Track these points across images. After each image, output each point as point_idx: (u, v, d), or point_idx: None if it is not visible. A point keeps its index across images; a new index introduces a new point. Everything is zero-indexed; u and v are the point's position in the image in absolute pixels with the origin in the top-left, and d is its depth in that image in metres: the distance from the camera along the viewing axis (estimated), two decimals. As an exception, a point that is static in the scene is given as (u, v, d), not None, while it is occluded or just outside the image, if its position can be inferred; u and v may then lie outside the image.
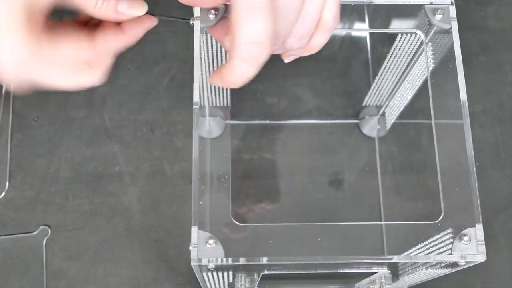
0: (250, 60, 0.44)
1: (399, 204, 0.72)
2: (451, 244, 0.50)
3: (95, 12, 0.47)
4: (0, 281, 0.70)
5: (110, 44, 0.47)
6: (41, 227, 0.72)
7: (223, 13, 0.52)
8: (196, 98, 0.53)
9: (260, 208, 0.73)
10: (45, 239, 0.71)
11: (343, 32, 0.76)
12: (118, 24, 0.48)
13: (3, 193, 0.73)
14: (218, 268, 0.52)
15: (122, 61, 0.78)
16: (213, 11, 0.52)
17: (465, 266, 0.50)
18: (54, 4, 0.45)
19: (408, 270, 0.57)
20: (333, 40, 0.79)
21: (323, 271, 0.59)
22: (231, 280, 0.59)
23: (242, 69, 0.44)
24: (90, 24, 0.49)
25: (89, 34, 0.47)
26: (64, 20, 0.48)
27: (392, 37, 0.61)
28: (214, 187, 0.53)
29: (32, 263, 0.71)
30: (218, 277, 0.56)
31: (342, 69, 0.79)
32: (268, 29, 0.42)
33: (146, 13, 0.48)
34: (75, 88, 0.48)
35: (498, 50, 0.81)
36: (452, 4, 0.56)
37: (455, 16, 0.56)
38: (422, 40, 0.58)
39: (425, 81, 0.57)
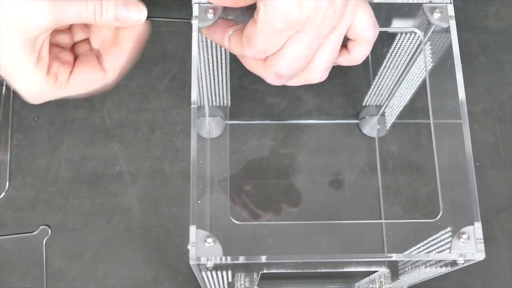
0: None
1: (399, 204, 0.72)
2: (450, 243, 0.50)
3: (98, 24, 0.48)
4: (0, 281, 0.70)
5: (116, 66, 0.50)
6: (41, 227, 0.72)
7: (221, 13, 0.52)
8: (194, 97, 0.52)
9: (260, 208, 0.73)
10: (45, 239, 0.71)
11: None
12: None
13: (3, 193, 0.73)
14: (217, 267, 0.52)
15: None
16: (211, 11, 0.52)
17: (464, 265, 0.50)
18: (54, 26, 0.46)
19: (408, 269, 0.57)
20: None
21: (323, 270, 0.59)
22: (230, 280, 0.59)
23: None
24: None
25: (97, 60, 0.50)
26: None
27: (392, 36, 0.61)
28: (213, 186, 0.53)
29: (32, 263, 0.71)
30: (217, 276, 0.56)
31: (342, 69, 0.79)
32: None
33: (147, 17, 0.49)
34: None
35: (498, 50, 0.81)
36: (450, 2, 0.56)
37: (453, 14, 0.56)
38: (421, 39, 0.58)
39: (424, 81, 0.57)
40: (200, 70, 0.59)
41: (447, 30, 0.56)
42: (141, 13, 0.49)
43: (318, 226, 0.54)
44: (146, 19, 0.50)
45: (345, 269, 0.56)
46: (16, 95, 0.76)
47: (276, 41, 0.46)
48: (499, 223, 0.74)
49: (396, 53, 0.63)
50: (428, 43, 0.57)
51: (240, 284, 0.59)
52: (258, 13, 0.45)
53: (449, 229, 0.50)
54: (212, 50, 0.59)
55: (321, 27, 0.46)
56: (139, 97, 0.77)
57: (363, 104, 0.76)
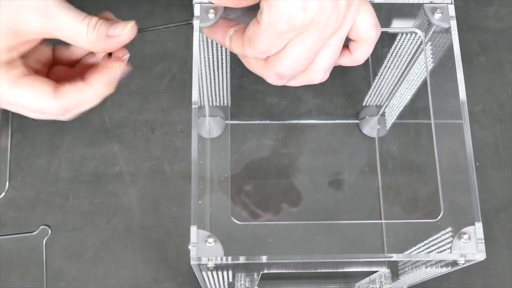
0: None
1: (399, 204, 0.72)
2: (450, 243, 0.50)
3: (86, 41, 0.47)
4: (0, 281, 0.70)
5: (72, 98, 0.49)
6: (41, 227, 0.72)
7: (222, 13, 0.52)
8: (195, 97, 0.53)
9: (260, 208, 0.73)
10: (45, 239, 0.71)
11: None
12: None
13: (3, 193, 0.73)
14: (218, 267, 0.52)
15: (122, 61, 0.78)
16: (212, 11, 0.52)
17: (465, 265, 0.50)
18: (41, 35, 0.47)
19: (408, 269, 0.57)
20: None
21: (323, 270, 0.59)
22: (231, 280, 0.59)
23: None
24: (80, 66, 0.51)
25: (55, 87, 0.48)
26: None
27: (392, 36, 0.61)
28: (213, 186, 0.53)
29: (32, 263, 0.71)
30: (218, 276, 0.56)
31: (342, 69, 0.79)
32: None
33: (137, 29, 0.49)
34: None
35: (498, 50, 0.81)
36: (451, 3, 0.56)
37: (454, 15, 0.56)
38: (422, 39, 0.58)
39: (425, 81, 0.57)
40: (201, 70, 0.59)
41: (448, 30, 0.56)
42: (130, 27, 0.49)
43: (319, 226, 0.54)
44: (146, 29, 0.51)
45: (346, 269, 0.56)
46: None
47: (279, 42, 0.46)
48: (499, 223, 0.74)
49: (396, 53, 0.63)
50: (429, 43, 0.57)
51: (241, 284, 0.59)
52: (262, 14, 0.45)
53: (449, 229, 0.50)
54: (212, 50, 0.59)
55: (324, 29, 0.46)
56: (139, 97, 0.77)
57: (363, 104, 0.76)
